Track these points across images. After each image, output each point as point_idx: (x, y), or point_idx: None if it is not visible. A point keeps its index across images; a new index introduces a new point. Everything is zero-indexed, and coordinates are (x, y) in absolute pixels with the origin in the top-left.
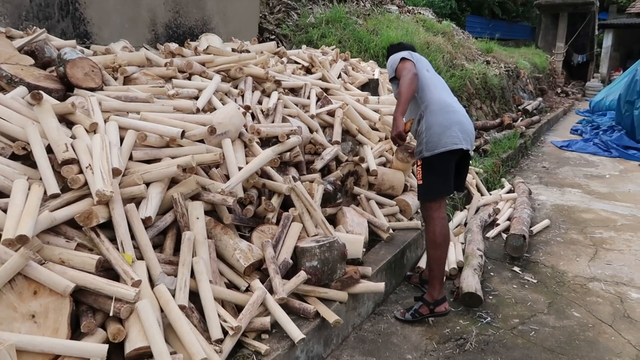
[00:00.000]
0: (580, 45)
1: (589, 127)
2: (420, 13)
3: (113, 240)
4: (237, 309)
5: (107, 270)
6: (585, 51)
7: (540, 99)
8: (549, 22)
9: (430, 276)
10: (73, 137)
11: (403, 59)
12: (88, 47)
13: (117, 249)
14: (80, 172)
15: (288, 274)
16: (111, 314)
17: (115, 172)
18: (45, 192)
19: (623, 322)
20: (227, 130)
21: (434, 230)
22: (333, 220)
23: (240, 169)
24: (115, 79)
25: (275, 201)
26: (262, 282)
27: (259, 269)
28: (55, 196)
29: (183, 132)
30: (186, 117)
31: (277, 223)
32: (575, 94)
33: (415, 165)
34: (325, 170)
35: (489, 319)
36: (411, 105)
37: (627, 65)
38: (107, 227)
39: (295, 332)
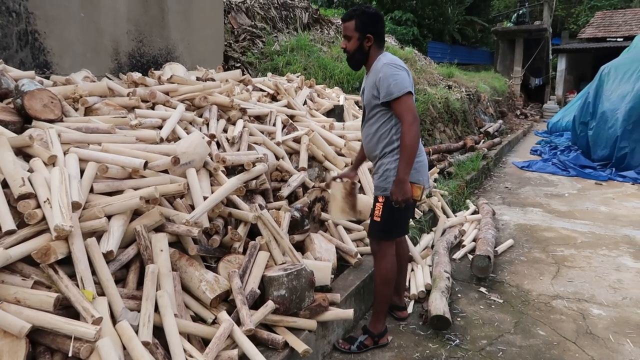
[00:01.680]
0: (537, 69)
1: (548, 147)
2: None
3: (73, 276)
4: (203, 343)
5: (66, 308)
6: (541, 74)
7: (500, 121)
8: (506, 47)
9: (376, 310)
10: (30, 170)
11: (409, 94)
12: (48, 78)
13: (77, 285)
14: (38, 206)
15: (256, 303)
16: (70, 354)
17: (75, 206)
18: (0, 229)
19: (586, 338)
20: (191, 160)
21: (387, 267)
22: (301, 247)
23: (205, 198)
24: (76, 109)
25: (242, 230)
26: (230, 314)
27: (226, 300)
28: (10, 232)
29: (146, 163)
30: (149, 148)
31: (244, 252)
32: (534, 116)
33: (375, 202)
34: (292, 197)
35: (457, 341)
36: (377, 133)
37: (580, 88)
38: (67, 262)
39: None
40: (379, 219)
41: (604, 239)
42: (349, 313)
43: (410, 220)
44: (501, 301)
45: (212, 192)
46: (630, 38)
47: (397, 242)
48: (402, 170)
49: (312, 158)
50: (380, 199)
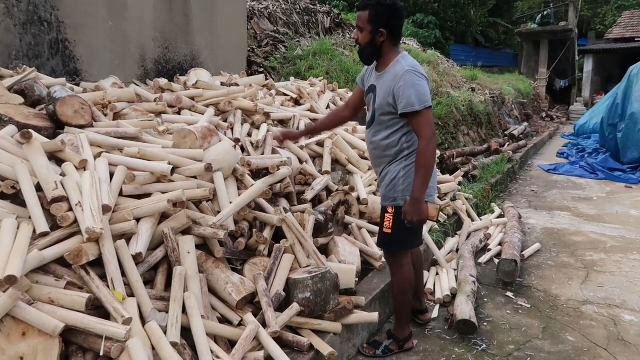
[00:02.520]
0: (562, 70)
1: (575, 150)
2: (405, 43)
3: (103, 277)
4: (230, 344)
5: (97, 308)
6: (567, 76)
7: (525, 123)
8: (531, 49)
9: (399, 316)
10: (63, 174)
11: (430, 108)
12: (78, 85)
13: (108, 286)
14: (70, 209)
15: (281, 306)
16: (102, 354)
17: (105, 209)
18: (34, 231)
19: (618, 345)
20: (220, 168)
21: (404, 278)
22: (325, 250)
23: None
24: (105, 115)
25: (267, 233)
26: (255, 316)
27: (251, 302)
28: (44, 235)
29: (173, 169)
30: (177, 152)
31: (269, 255)
32: (560, 118)
33: (383, 212)
34: (316, 201)
35: (484, 346)
36: (386, 141)
37: (608, 89)
38: (98, 264)
39: None
40: (389, 231)
41: (635, 243)
42: (373, 316)
43: (435, 224)
44: (529, 306)
45: (239, 196)
46: None
47: None
48: (418, 189)
49: (335, 161)
50: (390, 210)
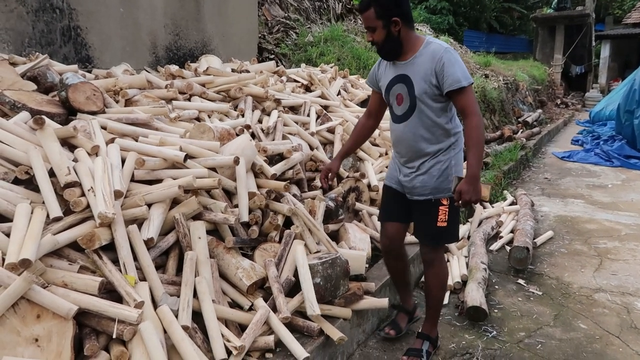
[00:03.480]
0: (578, 56)
1: (590, 137)
2: (418, 29)
3: (115, 262)
4: (240, 328)
5: (109, 292)
6: (583, 62)
7: (540, 110)
8: (546, 34)
9: (432, 315)
10: (75, 160)
11: (471, 86)
12: (90, 72)
13: (120, 270)
14: (83, 195)
15: (291, 291)
16: (114, 336)
17: (117, 194)
18: (47, 216)
19: (630, 333)
20: None
21: (445, 272)
22: (335, 236)
23: (250, 194)
24: (117, 101)
25: (279, 219)
26: (265, 301)
27: (262, 287)
28: (57, 219)
29: (186, 156)
30: (196, 143)
31: (280, 241)
32: (575, 105)
33: (435, 206)
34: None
35: (494, 332)
36: (431, 128)
37: (625, 75)
38: (110, 249)
39: (299, 351)
40: (445, 224)
41: None
42: (384, 302)
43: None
44: (540, 293)
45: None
46: None
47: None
48: (475, 166)
49: None
50: (445, 202)
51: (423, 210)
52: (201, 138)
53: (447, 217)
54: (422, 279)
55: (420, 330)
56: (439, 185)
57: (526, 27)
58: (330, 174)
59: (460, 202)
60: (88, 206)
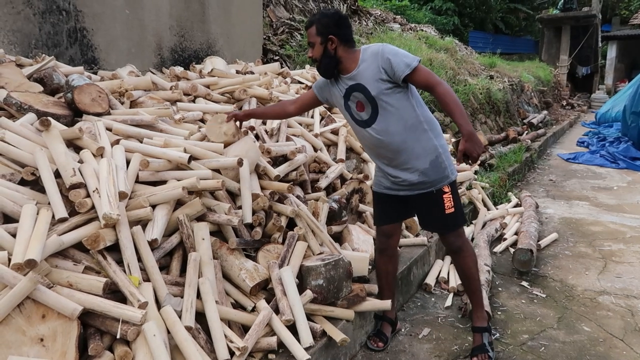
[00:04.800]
0: (584, 57)
1: (596, 139)
2: (422, 30)
3: (120, 262)
4: (243, 329)
5: (114, 292)
6: (589, 63)
7: (545, 112)
8: (552, 35)
9: (477, 302)
10: (80, 161)
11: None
12: (95, 73)
13: (124, 271)
14: (88, 196)
15: None
16: (118, 337)
17: (122, 196)
18: (53, 217)
19: (634, 335)
20: None
21: (473, 253)
22: (339, 238)
23: (254, 196)
24: (122, 103)
25: (283, 221)
26: (268, 302)
27: (265, 288)
28: (63, 220)
29: (190, 158)
30: (199, 144)
31: (283, 242)
32: (581, 106)
33: (438, 196)
34: (330, 189)
35: (497, 335)
36: (400, 121)
37: (632, 76)
38: (114, 249)
39: (301, 353)
40: (452, 210)
41: None
42: (386, 304)
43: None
44: (544, 296)
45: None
46: None
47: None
48: (466, 124)
49: (350, 150)
50: (447, 189)
51: (428, 203)
52: (219, 127)
53: (452, 202)
54: (427, 279)
55: (474, 324)
56: (436, 177)
57: (532, 28)
58: (234, 118)
59: (469, 160)
60: (93, 207)
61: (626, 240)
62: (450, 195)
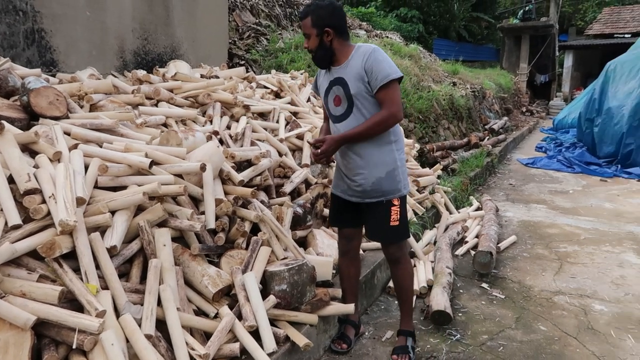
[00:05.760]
0: (543, 65)
1: (553, 144)
2: (388, 37)
3: (77, 270)
4: (205, 336)
5: (70, 301)
6: (547, 71)
7: (506, 118)
8: (512, 44)
9: (408, 310)
10: (36, 166)
11: (397, 81)
12: (54, 76)
13: (81, 279)
14: (43, 202)
15: None
16: (74, 347)
17: (80, 201)
18: (6, 224)
19: (587, 333)
20: None
21: (411, 267)
22: (303, 242)
23: (217, 201)
24: (82, 107)
25: (246, 226)
26: (231, 308)
27: (228, 294)
28: (16, 227)
29: (152, 162)
30: (162, 149)
31: (247, 248)
32: (540, 113)
33: (387, 207)
34: (295, 193)
35: (458, 336)
36: (373, 138)
37: (587, 84)
38: (71, 257)
39: (264, 358)
40: (397, 223)
41: (607, 235)
42: (350, 308)
43: (413, 216)
44: (503, 297)
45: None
46: (638, 34)
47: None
48: (350, 135)
49: None
50: (396, 202)
51: (376, 212)
52: (169, 145)
53: (399, 216)
54: (390, 283)
55: (400, 328)
56: (388, 187)
57: (494, 37)
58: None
59: (318, 153)
60: (49, 213)
61: (580, 242)
62: (398, 209)
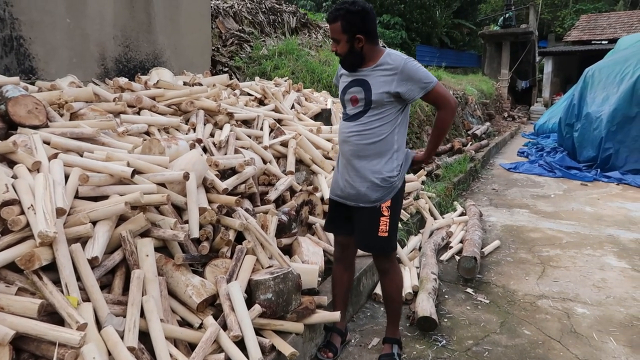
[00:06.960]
0: (524, 71)
1: (534, 149)
2: None
3: (57, 282)
4: (190, 347)
5: (50, 314)
6: (528, 77)
7: (488, 123)
8: (493, 50)
9: (395, 320)
10: (14, 177)
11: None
12: (33, 84)
13: (62, 291)
14: (22, 213)
15: None
16: None
17: (60, 212)
18: None
19: (570, 337)
20: None
21: (400, 277)
22: (289, 250)
23: (201, 210)
24: (62, 115)
25: (231, 234)
26: (216, 318)
27: (212, 304)
28: None
29: (134, 172)
30: (143, 158)
31: (231, 257)
32: (521, 118)
33: (375, 215)
34: (279, 201)
35: (444, 342)
36: (379, 132)
37: (566, 89)
38: (51, 269)
39: None
40: (386, 234)
41: (588, 238)
42: (336, 315)
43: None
44: (487, 302)
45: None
46: (614, 41)
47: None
48: (430, 151)
49: (299, 162)
50: (386, 213)
51: (366, 219)
52: (152, 153)
53: (387, 227)
54: (376, 290)
55: (386, 336)
56: (382, 195)
57: (475, 43)
58: None
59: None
60: (27, 225)
61: (562, 245)
62: (388, 220)
